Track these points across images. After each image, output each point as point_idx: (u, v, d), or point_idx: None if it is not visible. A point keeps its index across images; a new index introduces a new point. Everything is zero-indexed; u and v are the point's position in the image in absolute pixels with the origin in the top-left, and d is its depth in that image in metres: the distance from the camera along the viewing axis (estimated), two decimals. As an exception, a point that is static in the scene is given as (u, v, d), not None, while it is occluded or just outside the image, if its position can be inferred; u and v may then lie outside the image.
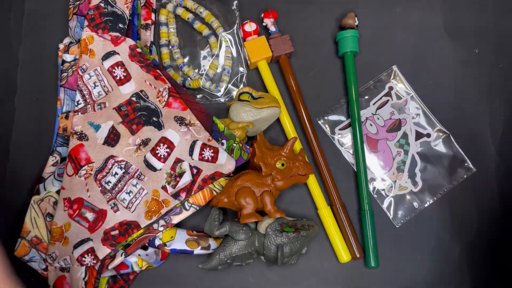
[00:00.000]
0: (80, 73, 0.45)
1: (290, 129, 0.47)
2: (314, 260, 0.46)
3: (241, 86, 0.49)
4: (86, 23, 0.45)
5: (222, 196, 0.43)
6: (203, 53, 0.50)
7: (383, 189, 0.48)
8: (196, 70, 0.49)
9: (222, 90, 0.49)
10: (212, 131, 0.44)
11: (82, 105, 0.45)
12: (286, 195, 0.47)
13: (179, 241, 0.43)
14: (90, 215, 0.43)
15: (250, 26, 0.48)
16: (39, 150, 0.48)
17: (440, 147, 0.48)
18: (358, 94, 0.49)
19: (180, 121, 0.44)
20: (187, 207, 0.43)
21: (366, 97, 0.49)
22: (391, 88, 0.49)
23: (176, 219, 0.43)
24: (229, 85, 0.49)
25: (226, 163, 0.43)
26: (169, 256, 0.46)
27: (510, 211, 0.48)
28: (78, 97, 0.45)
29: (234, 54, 0.49)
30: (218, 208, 0.44)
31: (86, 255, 0.42)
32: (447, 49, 0.51)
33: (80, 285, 0.42)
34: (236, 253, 0.42)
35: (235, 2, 0.50)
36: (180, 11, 0.49)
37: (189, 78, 0.49)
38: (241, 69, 0.49)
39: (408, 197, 0.48)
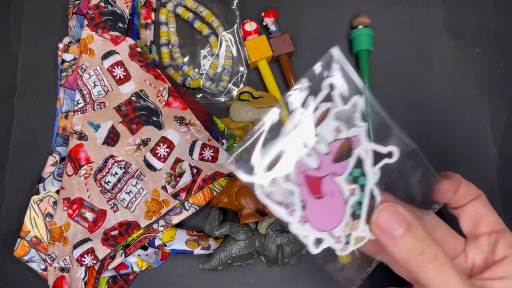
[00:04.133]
0: (79, 72, 0.45)
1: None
2: (314, 260, 0.46)
3: (242, 85, 0.49)
4: (85, 22, 0.45)
5: (222, 196, 0.43)
6: (203, 52, 0.49)
7: (334, 249, 0.32)
8: (196, 70, 0.49)
9: (222, 89, 0.48)
10: (212, 131, 0.44)
11: (82, 104, 0.45)
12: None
13: (179, 241, 0.43)
14: (89, 215, 0.43)
15: (251, 26, 0.48)
16: (39, 150, 0.48)
17: (407, 170, 0.32)
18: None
19: (180, 120, 0.44)
20: (187, 207, 0.43)
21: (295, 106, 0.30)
22: (332, 86, 0.29)
23: (176, 219, 0.43)
24: (229, 85, 0.49)
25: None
26: (169, 256, 0.46)
27: (511, 212, 0.48)
28: (78, 96, 0.45)
29: (235, 53, 0.49)
30: (218, 208, 0.44)
31: (85, 255, 0.42)
32: (448, 49, 0.51)
33: (79, 285, 0.42)
34: (236, 253, 0.42)
35: (235, 2, 0.50)
36: (180, 10, 0.49)
37: (189, 78, 0.48)
38: (241, 68, 0.49)
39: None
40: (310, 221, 0.31)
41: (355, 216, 0.31)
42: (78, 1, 0.48)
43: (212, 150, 0.43)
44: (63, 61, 0.47)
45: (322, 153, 0.30)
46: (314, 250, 0.31)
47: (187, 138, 0.44)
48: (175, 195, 0.43)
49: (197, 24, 0.49)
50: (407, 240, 0.30)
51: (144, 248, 0.44)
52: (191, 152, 0.43)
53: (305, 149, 0.30)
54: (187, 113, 0.44)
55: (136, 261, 0.44)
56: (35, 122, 0.48)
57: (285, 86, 0.49)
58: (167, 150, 0.44)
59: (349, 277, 0.35)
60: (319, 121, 0.30)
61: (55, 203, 0.45)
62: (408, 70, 0.50)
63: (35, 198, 0.45)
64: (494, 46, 0.51)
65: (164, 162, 0.43)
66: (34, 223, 0.45)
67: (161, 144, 0.44)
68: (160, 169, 0.43)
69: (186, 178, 0.43)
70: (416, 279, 0.30)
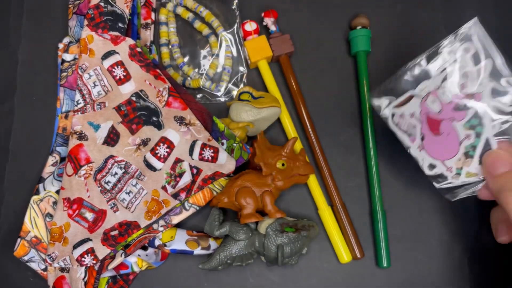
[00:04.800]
0: (79, 72, 0.45)
1: (290, 129, 0.47)
2: (314, 260, 0.46)
3: (241, 85, 0.49)
4: (85, 22, 0.45)
5: (223, 196, 0.43)
6: (203, 52, 0.49)
7: (446, 176, 0.39)
8: (196, 70, 0.49)
9: (222, 89, 0.48)
10: (212, 131, 0.44)
11: (82, 104, 0.45)
12: (287, 195, 0.47)
13: (179, 241, 0.43)
14: (89, 215, 0.43)
15: (250, 26, 0.48)
16: (39, 150, 0.48)
17: None
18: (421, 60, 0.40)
19: (180, 120, 0.44)
20: (187, 207, 0.43)
21: (431, 64, 0.38)
22: (467, 50, 0.36)
23: (176, 219, 0.43)
24: (229, 85, 0.49)
25: (226, 163, 0.43)
26: (169, 256, 0.46)
27: None
28: (78, 96, 0.45)
29: (234, 53, 0.49)
30: (218, 208, 0.44)
31: (85, 255, 0.42)
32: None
33: (79, 286, 0.42)
34: (236, 254, 0.42)
35: (235, 2, 0.50)
36: (180, 10, 0.49)
37: (189, 78, 0.48)
38: (241, 68, 0.49)
39: (478, 185, 0.39)
40: (426, 150, 0.40)
41: (467, 155, 0.38)
42: (78, 1, 0.48)
43: (212, 150, 0.43)
44: (63, 61, 0.47)
45: (445, 102, 0.38)
46: (428, 172, 0.40)
47: (187, 138, 0.44)
48: (175, 195, 0.43)
49: (197, 24, 0.49)
50: (504, 177, 0.35)
51: (144, 248, 0.44)
52: (191, 152, 0.43)
53: (431, 96, 0.38)
54: (187, 113, 0.44)
55: (136, 261, 0.44)
56: (35, 122, 0.48)
57: (285, 86, 0.49)
58: (167, 150, 0.44)
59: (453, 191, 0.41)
60: (446, 78, 0.37)
61: (55, 203, 0.45)
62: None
63: (35, 198, 0.45)
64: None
65: (164, 162, 0.43)
66: (34, 223, 0.45)
67: (161, 144, 0.44)
68: (160, 169, 0.43)
69: (186, 178, 0.43)
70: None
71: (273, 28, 0.49)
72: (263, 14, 0.49)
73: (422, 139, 0.40)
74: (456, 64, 0.36)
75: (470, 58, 0.36)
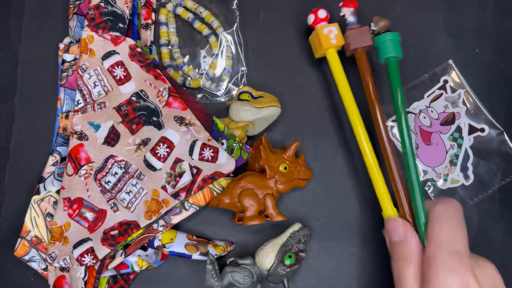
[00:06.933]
0: (80, 72, 0.45)
1: (361, 132, 0.42)
2: (314, 260, 0.46)
3: (241, 85, 0.49)
4: (86, 22, 0.45)
5: (224, 197, 0.43)
6: (203, 52, 0.49)
7: (436, 181, 0.47)
8: (196, 70, 0.49)
9: (222, 89, 0.48)
10: (212, 131, 0.44)
11: (82, 104, 0.45)
12: (285, 196, 0.47)
13: (179, 244, 0.43)
14: (89, 215, 0.43)
15: (321, 13, 0.45)
16: (39, 149, 0.48)
17: (493, 143, 0.48)
18: (412, 87, 0.49)
19: (180, 120, 0.44)
20: (187, 207, 0.43)
21: (420, 90, 0.49)
22: (446, 81, 0.49)
23: (176, 219, 0.43)
24: (230, 85, 0.49)
25: (226, 163, 0.43)
26: (169, 256, 0.46)
27: (511, 213, 0.48)
28: (78, 96, 0.45)
29: (234, 53, 0.49)
30: (210, 263, 0.42)
31: (85, 255, 0.42)
32: (447, 49, 0.51)
33: (79, 285, 0.42)
34: None
35: (235, 2, 0.50)
36: (180, 10, 0.49)
37: (189, 78, 0.48)
38: (241, 68, 0.49)
39: (459, 191, 0.47)
40: (420, 158, 0.48)
41: (452, 163, 0.47)
42: (78, 1, 0.48)
43: (212, 150, 0.43)
44: (64, 61, 0.47)
45: (433, 118, 0.48)
46: (421, 177, 0.47)
47: (187, 138, 0.44)
48: (175, 195, 0.43)
49: (197, 25, 0.49)
50: (394, 247, 0.39)
51: (144, 248, 0.44)
52: (191, 152, 0.43)
53: (422, 113, 0.48)
54: (187, 113, 0.44)
55: (137, 261, 0.44)
56: (35, 122, 0.48)
57: (358, 82, 0.44)
58: (167, 150, 0.44)
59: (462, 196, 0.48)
60: (434, 100, 0.49)
61: (55, 203, 0.45)
62: (408, 70, 0.50)
63: (35, 198, 0.45)
64: (493, 46, 0.51)
65: (164, 162, 0.44)
66: (34, 223, 0.45)
67: (161, 144, 0.44)
68: (160, 169, 0.44)
69: (186, 178, 0.43)
70: None
71: (351, 19, 0.45)
72: (341, 4, 0.45)
73: (417, 148, 0.48)
74: (438, 91, 0.49)
75: (449, 87, 0.49)
